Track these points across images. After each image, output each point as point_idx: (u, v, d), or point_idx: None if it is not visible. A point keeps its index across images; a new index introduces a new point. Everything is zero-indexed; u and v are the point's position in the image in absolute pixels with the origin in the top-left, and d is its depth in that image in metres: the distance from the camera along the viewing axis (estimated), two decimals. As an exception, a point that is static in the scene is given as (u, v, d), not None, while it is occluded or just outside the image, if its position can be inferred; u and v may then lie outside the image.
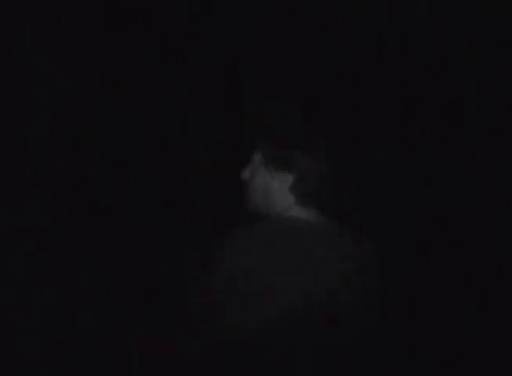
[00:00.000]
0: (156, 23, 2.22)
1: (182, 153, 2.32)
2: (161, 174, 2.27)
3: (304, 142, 0.99)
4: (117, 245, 2.15)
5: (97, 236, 2.10)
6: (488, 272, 2.15)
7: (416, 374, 1.95)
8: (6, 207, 1.88)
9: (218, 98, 2.33)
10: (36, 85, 1.96)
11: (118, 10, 2.13)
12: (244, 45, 2.29)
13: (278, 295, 0.90)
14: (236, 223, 0.99)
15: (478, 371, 1.95)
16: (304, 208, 1.00)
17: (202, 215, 2.30)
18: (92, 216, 2.10)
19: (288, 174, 1.00)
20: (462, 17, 2.18)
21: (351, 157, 2.20)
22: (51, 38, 1.98)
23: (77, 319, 1.98)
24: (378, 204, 2.26)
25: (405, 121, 2.32)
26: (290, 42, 2.29)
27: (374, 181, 2.30)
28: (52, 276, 1.98)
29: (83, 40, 2.07)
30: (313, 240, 0.93)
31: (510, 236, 2.14)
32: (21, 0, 1.90)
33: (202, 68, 2.31)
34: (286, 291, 0.90)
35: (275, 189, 1.02)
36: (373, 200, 2.26)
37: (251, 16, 2.27)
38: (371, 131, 2.31)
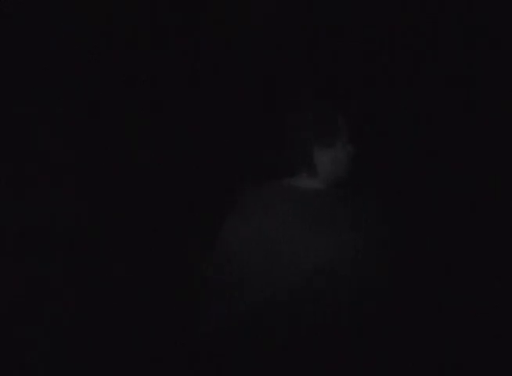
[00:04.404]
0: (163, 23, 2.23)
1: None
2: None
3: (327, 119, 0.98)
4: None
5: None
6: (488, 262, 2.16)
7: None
8: (7, 208, 1.88)
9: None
10: (36, 85, 1.96)
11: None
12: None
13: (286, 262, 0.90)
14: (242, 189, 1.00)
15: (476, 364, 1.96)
16: (315, 179, 0.99)
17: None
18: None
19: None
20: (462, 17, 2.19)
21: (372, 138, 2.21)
22: (52, 38, 1.99)
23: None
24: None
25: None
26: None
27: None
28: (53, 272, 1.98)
29: (87, 40, 2.07)
30: (321, 207, 0.92)
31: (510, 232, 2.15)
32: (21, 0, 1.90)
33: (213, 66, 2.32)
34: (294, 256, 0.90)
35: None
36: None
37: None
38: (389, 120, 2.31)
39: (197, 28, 2.28)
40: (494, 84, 2.21)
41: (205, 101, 2.32)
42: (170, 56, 2.28)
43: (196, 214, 2.28)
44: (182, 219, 2.28)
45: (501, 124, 2.19)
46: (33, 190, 1.95)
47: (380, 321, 0.96)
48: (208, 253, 1.04)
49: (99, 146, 2.15)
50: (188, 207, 2.31)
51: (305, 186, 0.99)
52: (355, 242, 0.91)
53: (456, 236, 2.19)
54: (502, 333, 2.00)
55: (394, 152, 2.29)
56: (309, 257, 0.91)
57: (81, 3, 2.04)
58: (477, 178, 2.21)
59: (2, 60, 1.90)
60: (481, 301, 2.08)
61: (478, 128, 2.23)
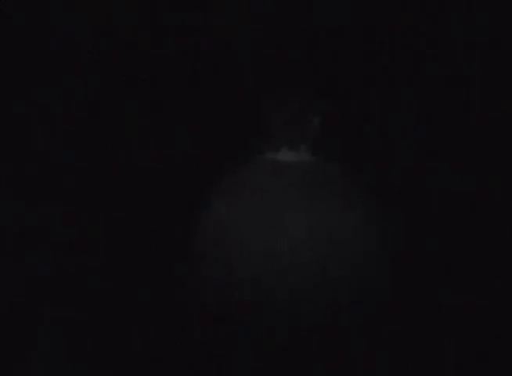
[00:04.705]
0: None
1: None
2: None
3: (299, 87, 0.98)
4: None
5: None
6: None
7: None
8: (7, 208, 1.88)
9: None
10: (36, 85, 1.96)
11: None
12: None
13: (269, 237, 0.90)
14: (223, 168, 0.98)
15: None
16: (294, 151, 0.96)
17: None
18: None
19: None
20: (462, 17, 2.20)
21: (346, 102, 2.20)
22: (52, 38, 1.99)
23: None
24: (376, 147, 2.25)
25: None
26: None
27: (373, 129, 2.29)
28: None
29: (87, 40, 2.07)
30: (304, 180, 0.90)
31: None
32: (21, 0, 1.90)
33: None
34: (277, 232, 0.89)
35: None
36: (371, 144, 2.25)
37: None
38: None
39: (197, 28, 2.28)
40: (494, 84, 2.21)
41: (205, 101, 2.32)
42: (170, 56, 2.28)
43: (195, 214, 2.28)
44: (181, 219, 2.28)
45: (501, 124, 2.19)
46: (33, 190, 1.95)
47: (380, 321, 0.96)
48: (203, 251, 1.04)
49: (99, 146, 2.15)
50: (188, 207, 2.30)
51: (290, 159, 0.97)
52: (344, 218, 0.90)
53: (456, 236, 2.19)
54: (502, 333, 2.00)
55: (394, 152, 2.29)
56: (303, 241, 0.90)
57: (81, 3, 2.04)
58: (477, 178, 2.21)
59: (2, 60, 1.90)
60: (480, 301, 2.08)
61: (478, 128, 2.23)
